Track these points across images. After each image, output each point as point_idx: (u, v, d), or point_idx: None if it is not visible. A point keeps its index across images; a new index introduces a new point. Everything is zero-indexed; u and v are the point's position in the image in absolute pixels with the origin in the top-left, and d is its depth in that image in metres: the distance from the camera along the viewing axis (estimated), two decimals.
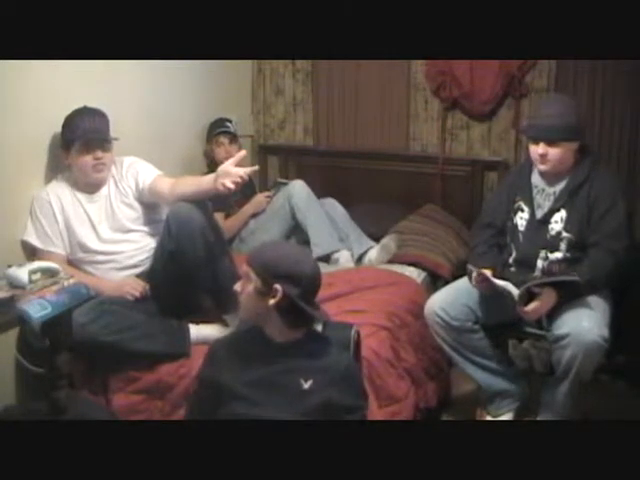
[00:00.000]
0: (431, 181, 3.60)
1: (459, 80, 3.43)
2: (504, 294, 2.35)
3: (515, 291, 2.31)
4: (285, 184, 3.40)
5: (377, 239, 3.35)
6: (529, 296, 2.33)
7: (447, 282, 2.95)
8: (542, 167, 2.44)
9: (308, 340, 1.82)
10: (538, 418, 2.49)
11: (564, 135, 2.39)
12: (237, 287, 1.81)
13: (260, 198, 3.37)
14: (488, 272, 2.39)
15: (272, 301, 1.74)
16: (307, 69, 3.81)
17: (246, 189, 3.42)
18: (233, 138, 3.39)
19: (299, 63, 3.82)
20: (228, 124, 3.41)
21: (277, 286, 1.73)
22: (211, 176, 2.36)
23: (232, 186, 2.24)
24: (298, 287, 1.74)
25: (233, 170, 2.33)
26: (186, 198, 2.39)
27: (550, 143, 2.39)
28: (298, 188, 3.26)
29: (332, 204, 3.40)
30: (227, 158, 3.39)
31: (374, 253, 3.20)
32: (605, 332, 2.26)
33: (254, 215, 3.34)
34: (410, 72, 3.59)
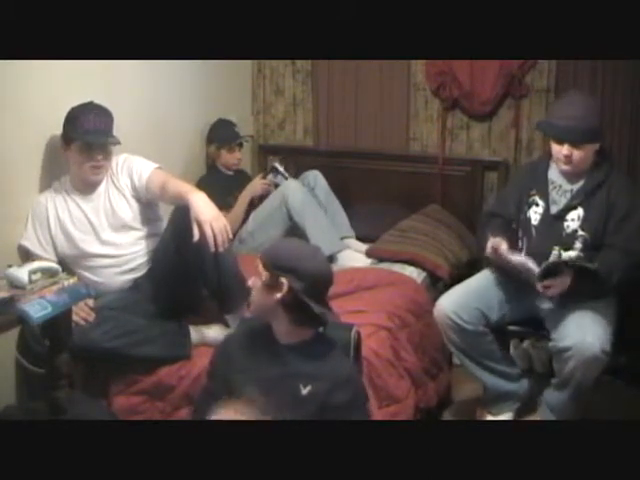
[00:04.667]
0: (431, 181, 3.60)
1: (459, 80, 3.43)
2: (521, 269, 2.37)
3: (535, 267, 2.33)
4: (283, 175, 3.40)
5: (375, 239, 3.36)
6: (547, 274, 2.35)
7: (446, 283, 2.95)
8: (565, 167, 2.44)
9: (313, 343, 1.81)
10: (535, 418, 2.50)
11: (589, 137, 2.38)
12: (250, 282, 1.82)
13: (255, 182, 3.38)
14: (504, 245, 2.40)
15: (278, 295, 1.75)
16: (307, 69, 3.80)
17: (244, 188, 3.43)
18: (241, 144, 3.48)
19: (299, 63, 3.82)
20: (237, 130, 3.43)
21: (282, 280, 1.74)
22: (190, 191, 2.33)
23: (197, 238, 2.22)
24: (303, 282, 1.74)
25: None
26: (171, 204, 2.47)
27: (575, 145, 2.38)
28: (293, 189, 3.26)
29: (314, 176, 3.45)
30: (237, 164, 3.46)
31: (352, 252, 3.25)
32: (607, 346, 2.27)
33: (252, 204, 3.34)
34: (410, 72, 3.59)
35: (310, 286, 1.75)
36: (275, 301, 1.76)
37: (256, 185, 3.37)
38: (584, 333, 2.27)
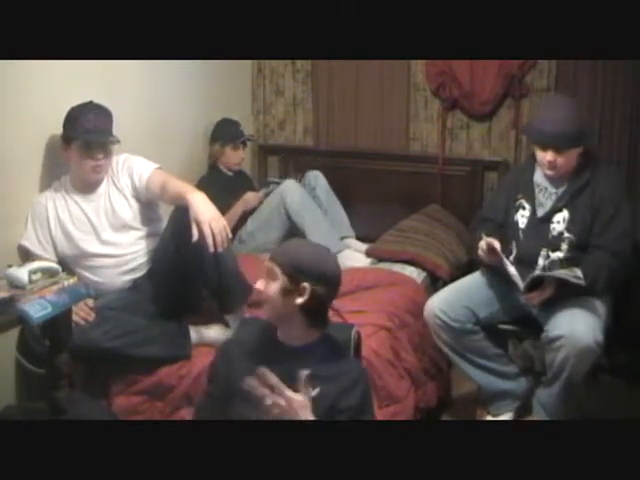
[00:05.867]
0: (431, 181, 3.60)
1: (459, 80, 3.43)
2: (509, 276, 2.38)
3: (520, 283, 2.35)
4: (277, 183, 3.40)
5: (375, 239, 3.36)
6: (533, 286, 2.36)
7: (446, 283, 2.95)
8: (550, 172, 2.45)
9: (320, 345, 1.80)
10: (530, 418, 2.50)
11: (573, 142, 2.38)
12: (259, 285, 1.76)
13: (249, 195, 3.36)
14: (497, 244, 2.41)
15: (299, 300, 1.71)
16: (307, 69, 3.80)
17: (244, 188, 3.43)
18: (246, 143, 3.49)
19: (299, 63, 3.82)
20: (241, 129, 3.44)
21: (305, 284, 1.71)
22: (189, 191, 2.32)
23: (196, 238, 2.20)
24: (325, 286, 1.73)
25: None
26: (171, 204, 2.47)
27: (559, 150, 2.38)
28: (291, 189, 3.26)
29: (315, 176, 3.45)
30: (239, 164, 3.47)
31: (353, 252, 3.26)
32: (599, 337, 2.27)
33: (245, 213, 3.33)
34: (410, 72, 3.59)
35: (330, 290, 1.75)
36: (295, 306, 1.72)
37: (249, 198, 3.35)
38: (576, 323, 2.28)
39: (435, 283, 3.12)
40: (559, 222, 2.45)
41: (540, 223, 2.48)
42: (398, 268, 3.10)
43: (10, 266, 2.07)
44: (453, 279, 2.90)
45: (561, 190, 2.47)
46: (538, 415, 2.47)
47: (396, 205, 3.61)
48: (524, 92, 3.38)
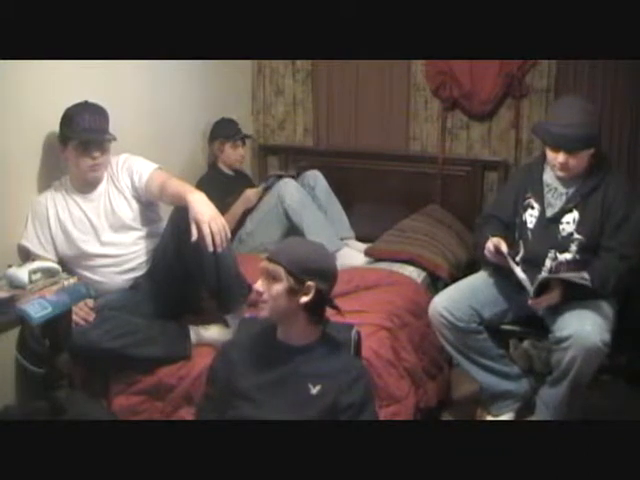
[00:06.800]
0: (431, 181, 3.60)
1: (459, 80, 3.43)
2: (515, 277, 2.36)
3: (529, 286, 2.33)
4: (278, 176, 3.38)
5: (375, 239, 3.35)
6: (540, 289, 2.35)
7: (446, 283, 2.95)
8: (561, 173, 2.43)
9: (320, 344, 1.80)
10: (532, 418, 2.50)
11: (585, 144, 2.37)
12: (259, 287, 1.76)
13: (249, 194, 3.33)
14: (504, 246, 2.40)
15: (305, 298, 1.73)
16: (307, 69, 3.80)
17: (244, 188, 3.42)
18: (244, 140, 3.48)
19: (299, 63, 3.82)
20: (239, 127, 3.43)
21: (310, 283, 1.73)
22: (189, 191, 2.31)
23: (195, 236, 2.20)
24: (327, 282, 1.76)
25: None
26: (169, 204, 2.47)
27: (571, 152, 2.38)
28: (290, 189, 3.25)
29: (315, 176, 3.44)
30: (240, 161, 3.45)
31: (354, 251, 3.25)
32: (607, 337, 2.27)
33: (245, 211, 3.33)
34: (410, 72, 3.59)
35: (330, 285, 1.78)
36: (300, 304, 1.74)
37: (250, 195, 3.32)
38: (584, 323, 2.27)
39: (435, 283, 3.12)
40: (569, 223, 2.44)
41: (549, 223, 2.47)
42: (398, 268, 3.10)
43: (10, 266, 2.07)
44: (453, 279, 2.90)
45: (571, 190, 2.46)
46: (541, 414, 2.47)
47: (396, 205, 3.61)
48: (524, 92, 3.38)
